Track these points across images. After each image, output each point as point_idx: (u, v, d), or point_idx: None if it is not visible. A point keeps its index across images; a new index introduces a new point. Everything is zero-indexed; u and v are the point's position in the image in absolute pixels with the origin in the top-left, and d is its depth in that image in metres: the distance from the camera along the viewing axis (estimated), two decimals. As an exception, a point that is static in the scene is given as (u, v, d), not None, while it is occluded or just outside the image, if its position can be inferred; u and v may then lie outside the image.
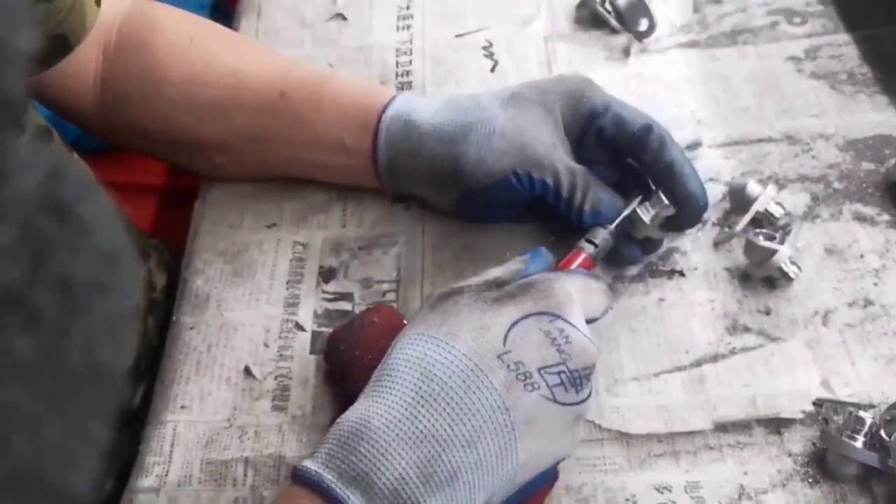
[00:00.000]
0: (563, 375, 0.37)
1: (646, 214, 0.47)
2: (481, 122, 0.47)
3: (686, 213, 0.47)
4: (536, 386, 0.37)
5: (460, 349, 0.37)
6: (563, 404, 0.37)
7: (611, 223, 0.46)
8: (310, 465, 0.35)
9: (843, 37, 0.62)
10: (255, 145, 0.53)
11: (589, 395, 0.39)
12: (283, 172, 0.56)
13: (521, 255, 0.43)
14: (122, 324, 0.19)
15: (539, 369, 0.37)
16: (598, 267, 0.48)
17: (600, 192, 0.46)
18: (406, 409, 0.35)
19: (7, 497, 0.16)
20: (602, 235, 0.46)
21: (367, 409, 0.36)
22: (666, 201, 0.46)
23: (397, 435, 0.35)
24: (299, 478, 0.35)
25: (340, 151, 0.51)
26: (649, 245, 0.50)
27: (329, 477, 0.34)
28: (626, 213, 0.47)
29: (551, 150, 0.47)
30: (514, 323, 0.37)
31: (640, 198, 0.47)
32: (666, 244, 0.51)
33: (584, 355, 0.38)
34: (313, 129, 0.51)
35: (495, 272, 0.41)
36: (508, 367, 0.36)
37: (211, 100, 0.53)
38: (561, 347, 0.37)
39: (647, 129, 0.46)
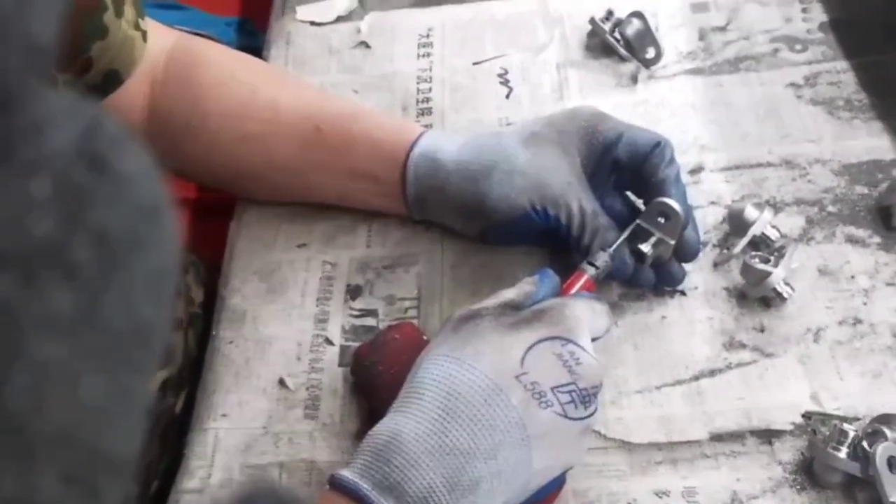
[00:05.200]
0: (573, 394, 0.41)
1: (646, 247, 0.50)
2: (503, 160, 0.52)
3: (670, 227, 0.50)
4: (550, 403, 0.40)
5: (482, 370, 0.40)
6: (573, 419, 0.41)
7: (610, 246, 0.50)
8: (347, 474, 0.39)
9: (842, 64, 0.65)
10: (290, 176, 0.58)
11: (595, 410, 0.43)
12: (316, 199, 0.60)
13: (531, 277, 0.47)
14: (164, 280, 0.18)
15: (552, 388, 0.41)
16: (598, 286, 0.51)
17: (609, 238, 0.50)
18: (433, 424, 0.39)
19: (46, 455, 0.16)
20: (602, 258, 0.49)
21: (398, 423, 0.40)
22: (654, 232, 0.50)
23: (426, 448, 0.39)
24: (337, 486, 0.39)
25: (371, 182, 0.56)
26: (667, 274, 0.53)
27: (365, 486, 0.38)
28: (622, 237, 0.50)
29: (566, 188, 0.51)
30: (531, 347, 0.41)
31: (636, 223, 0.50)
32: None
33: (592, 375, 0.42)
34: (346, 162, 0.56)
35: (509, 294, 0.45)
36: (525, 386, 0.40)
37: (251, 132, 0.57)
38: (572, 369, 0.41)
39: (656, 145, 0.51)
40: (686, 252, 0.52)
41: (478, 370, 0.40)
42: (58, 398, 0.16)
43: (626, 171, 0.52)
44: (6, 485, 0.15)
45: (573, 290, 0.48)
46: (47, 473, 0.16)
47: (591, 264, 0.49)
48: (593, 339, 0.44)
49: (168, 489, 0.51)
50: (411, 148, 0.54)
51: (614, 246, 0.50)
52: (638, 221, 0.51)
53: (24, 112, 0.17)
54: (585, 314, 0.44)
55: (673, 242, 0.50)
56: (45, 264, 0.16)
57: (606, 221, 0.51)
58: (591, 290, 0.49)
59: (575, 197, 0.51)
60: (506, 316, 0.43)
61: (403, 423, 0.40)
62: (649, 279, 0.52)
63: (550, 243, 0.56)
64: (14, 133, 0.16)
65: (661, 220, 0.50)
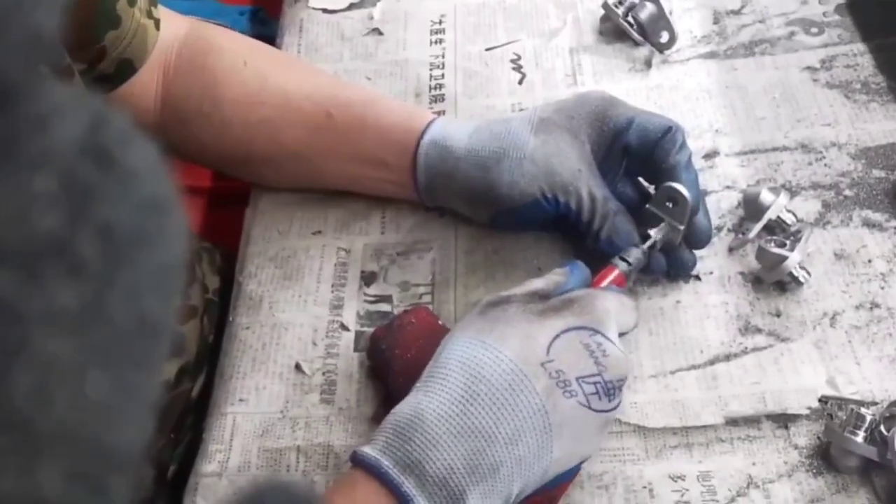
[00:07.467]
0: (598, 385, 0.41)
1: (655, 232, 0.50)
2: (513, 147, 0.51)
3: (679, 212, 0.50)
4: (574, 393, 0.40)
5: (508, 354, 0.40)
6: (596, 411, 0.41)
7: (642, 243, 0.49)
8: (369, 451, 0.39)
9: (859, 46, 0.65)
10: (301, 161, 0.58)
11: (619, 403, 0.42)
12: (327, 185, 0.60)
13: (562, 268, 0.46)
14: (170, 275, 0.18)
15: (577, 378, 0.41)
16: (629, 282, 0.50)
17: (618, 222, 0.50)
18: (456, 406, 0.39)
19: (50, 451, 0.16)
20: (636, 255, 0.48)
21: (421, 402, 0.40)
22: (662, 217, 0.49)
23: (448, 428, 0.39)
24: (359, 462, 0.39)
25: (382, 168, 0.56)
26: (678, 260, 0.52)
27: (386, 463, 0.38)
28: (654, 237, 0.50)
29: (576, 175, 0.50)
30: (558, 335, 0.41)
31: (663, 224, 0.50)
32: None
33: (619, 368, 0.42)
34: (357, 148, 0.56)
35: (538, 284, 0.45)
36: (550, 374, 0.40)
37: (263, 118, 0.57)
38: (598, 360, 0.41)
39: (667, 130, 0.50)
40: (697, 238, 0.52)
41: (503, 354, 0.40)
42: (63, 394, 0.16)
43: (638, 157, 0.52)
44: (10, 481, 0.15)
45: (603, 284, 0.47)
46: (52, 470, 0.16)
47: (624, 259, 0.48)
48: (620, 335, 0.44)
49: (184, 473, 0.52)
50: (421, 135, 0.54)
51: (649, 243, 0.49)
52: (647, 206, 0.50)
53: (29, 106, 0.16)
54: (614, 307, 0.43)
55: (682, 228, 0.50)
56: (50, 260, 0.16)
57: (616, 207, 0.51)
58: (622, 285, 0.48)
59: (584, 184, 0.50)
60: (534, 303, 0.43)
61: (426, 402, 0.40)
62: (660, 265, 0.52)
63: (562, 228, 0.55)
64: (18, 127, 0.16)
65: (670, 204, 0.50)
